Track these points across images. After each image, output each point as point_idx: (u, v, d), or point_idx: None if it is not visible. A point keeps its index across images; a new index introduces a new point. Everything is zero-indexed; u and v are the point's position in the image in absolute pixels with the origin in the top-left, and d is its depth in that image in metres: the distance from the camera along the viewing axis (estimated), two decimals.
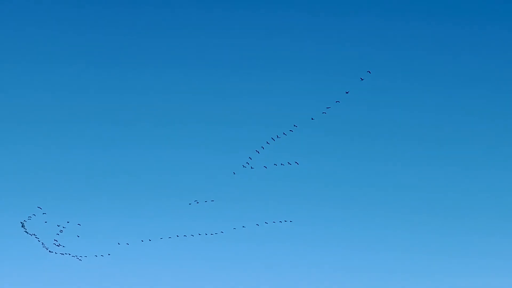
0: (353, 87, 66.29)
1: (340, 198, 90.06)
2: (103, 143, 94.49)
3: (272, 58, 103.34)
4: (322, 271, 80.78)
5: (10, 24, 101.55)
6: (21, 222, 69.40)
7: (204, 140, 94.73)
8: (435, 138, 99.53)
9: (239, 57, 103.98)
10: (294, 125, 68.53)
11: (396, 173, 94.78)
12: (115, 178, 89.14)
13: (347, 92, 66.52)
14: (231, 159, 79.48)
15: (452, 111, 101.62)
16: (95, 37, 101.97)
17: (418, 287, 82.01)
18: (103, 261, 70.13)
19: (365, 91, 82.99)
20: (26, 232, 69.42)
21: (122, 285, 77.70)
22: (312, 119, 67.68)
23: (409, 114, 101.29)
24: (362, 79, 65.52)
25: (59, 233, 69.55)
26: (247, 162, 69.82)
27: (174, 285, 77.69)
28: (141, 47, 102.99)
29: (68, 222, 69.92)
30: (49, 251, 69.84)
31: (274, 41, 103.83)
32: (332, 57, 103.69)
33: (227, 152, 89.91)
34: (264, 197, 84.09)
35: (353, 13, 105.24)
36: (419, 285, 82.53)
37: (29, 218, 69.72)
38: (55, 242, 69.38)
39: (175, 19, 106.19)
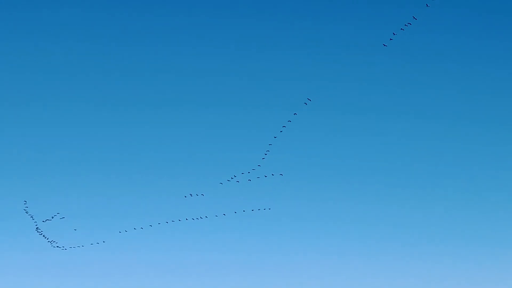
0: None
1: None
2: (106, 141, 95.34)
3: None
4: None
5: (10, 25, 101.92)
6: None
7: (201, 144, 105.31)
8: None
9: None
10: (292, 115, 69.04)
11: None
12: (120, 173, 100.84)
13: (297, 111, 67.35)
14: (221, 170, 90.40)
15: None
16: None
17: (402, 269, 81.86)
18: (100, 248, 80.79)
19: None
20: (26, 212, 70.57)
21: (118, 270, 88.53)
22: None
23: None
24: (306, 103, 67.18)
25: (49, 220, 70.75)
26: (231, 177, 78.02)
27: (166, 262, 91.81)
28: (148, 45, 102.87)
29: (55, 215, 72.14)
30: (39, 234, 70.80)
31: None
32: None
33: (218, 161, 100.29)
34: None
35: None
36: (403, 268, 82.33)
37: (26, 204, 70.61)
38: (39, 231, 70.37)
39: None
